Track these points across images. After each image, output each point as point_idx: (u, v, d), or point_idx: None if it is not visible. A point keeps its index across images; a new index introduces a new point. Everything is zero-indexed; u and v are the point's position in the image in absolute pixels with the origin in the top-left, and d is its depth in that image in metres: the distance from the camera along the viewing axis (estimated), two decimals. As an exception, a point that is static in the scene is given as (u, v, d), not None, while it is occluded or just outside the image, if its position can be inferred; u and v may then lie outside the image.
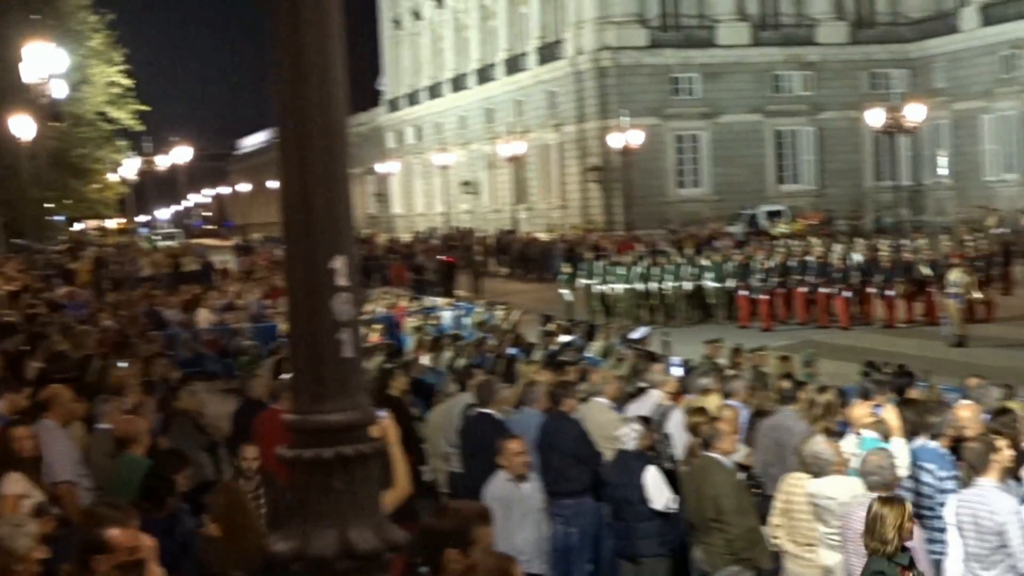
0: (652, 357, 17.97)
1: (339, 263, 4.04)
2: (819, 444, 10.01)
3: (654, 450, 11.75)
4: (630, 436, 11.24)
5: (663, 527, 11.06)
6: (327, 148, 4.07)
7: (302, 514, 4.12)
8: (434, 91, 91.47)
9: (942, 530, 9.39)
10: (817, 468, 9.87)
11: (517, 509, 10.65)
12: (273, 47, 4.09)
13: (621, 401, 14.16)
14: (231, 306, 32.16)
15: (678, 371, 15.96)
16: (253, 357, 22.97)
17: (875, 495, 8.86)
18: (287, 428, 4.12)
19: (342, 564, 4.08)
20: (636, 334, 23.40)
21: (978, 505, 8.69)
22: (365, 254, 58.05)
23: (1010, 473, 9.95)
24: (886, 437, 10.08)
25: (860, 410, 10.94)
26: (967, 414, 10.48)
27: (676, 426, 12.56)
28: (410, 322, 28.63)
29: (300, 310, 4.09)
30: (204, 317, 30.44)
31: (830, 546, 9.65)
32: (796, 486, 10.21)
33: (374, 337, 25.01)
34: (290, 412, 4.15)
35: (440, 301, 35.42)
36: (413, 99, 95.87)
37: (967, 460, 9.06)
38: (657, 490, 10.93)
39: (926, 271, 32.90)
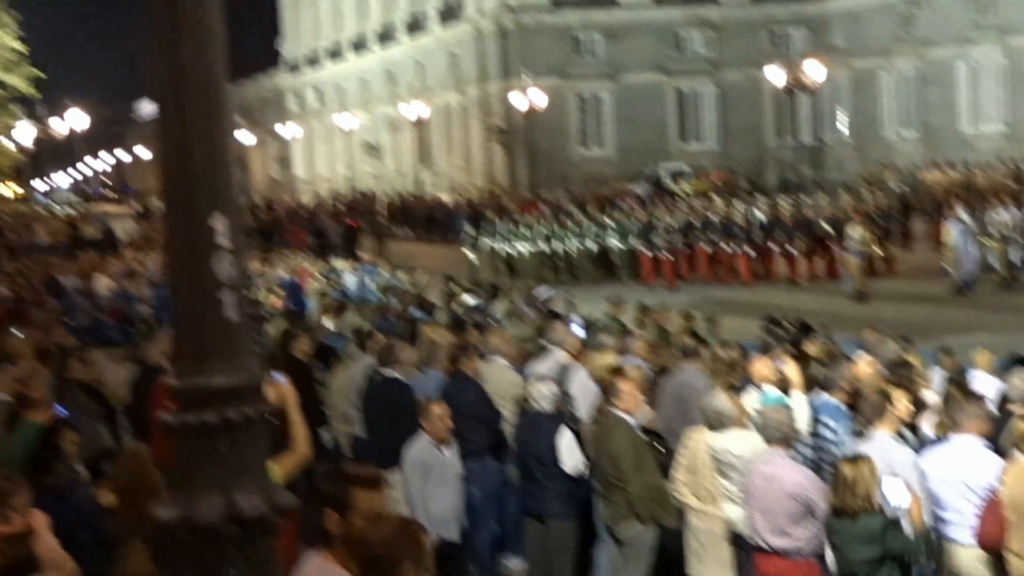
0: (555, 317, 17.94)
1: (220, 222, 3.93)
2: (720, 400, 10.04)
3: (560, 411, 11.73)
4: (545, 396, 11.21)
5: (572, 488, 11.05)
6: (206, 105, 3.95)
7: (187, 480, 4.02)
8: (335, 53, 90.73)
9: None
10: (718, 423, 9.90)
11: (436, 473, 10.57)
12: (148, 2, 3.96)
13: (523, 361, 14.13)
14: (131, 272, 31.70)
15: (580, 331, 15.94)
16: (152, 324, 22.68)
17: (775, 449, 8.91)
18: (169, 393, 4.01)
19: (229, 530, 3.99)
20: (541, 294, 23.40)
21: (875, 457, 8.74)
22: (266, 218, 57.61)
23: (908, 424, 10.06)
24: (787, 392, 10.12)
25: (762, 365, 10.98)
26: (865, 368, 10.56)
27: (579, 386, 12.53)
28: (313, 286, 28.40)
29: (180, 271, 3.98)
30: (103, 284, 29.98)
31: (732, 500, 9.69)
32: (699, 441, 10.24)
33: (276, 302, 24.79)
34: (173, 377, 4.04)
35: (343, 265, 35.19)
36: (314, 61, 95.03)
37: (864, 413, 9.13)
38: (570, 453, 10.91)
39: (827, 228, 33.22)
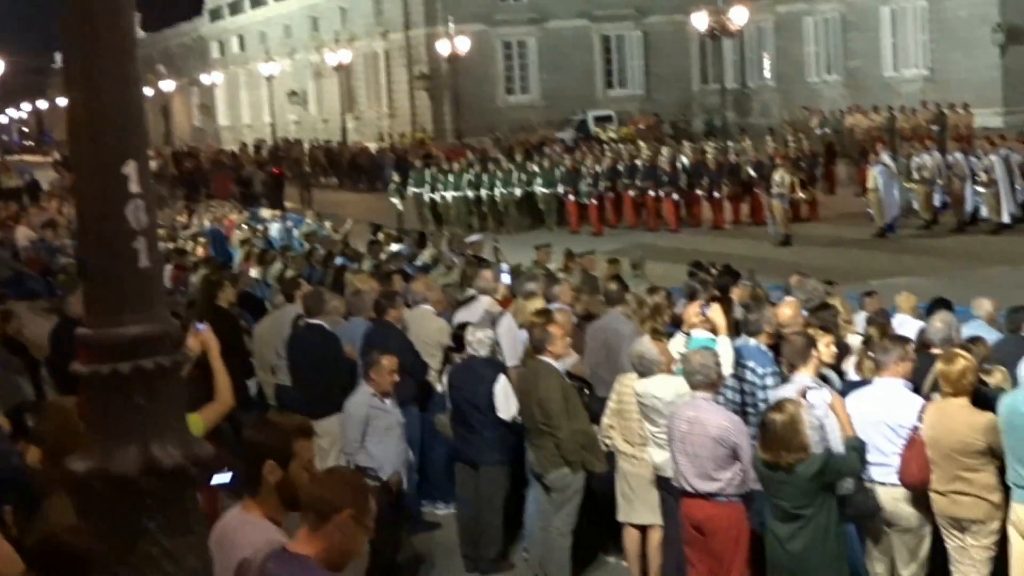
0: (482, 263, 17.90)
1: (131, 168, 3.83)
2: (645, 345, 10.05)
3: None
4: (482, 343, 11.18)
5: (506, 434, 11.05)
6: (114, 49, 3.83)
7: (103, 432, 3.93)
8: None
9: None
10: (644, 368, 9.91)
11: (382, 424, 10.48)
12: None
13: (449, 309, 14.09)
14: (51, 223, 31.26)
15: (506, 278, 15.92)
16: (73, 275, 22.36)
17: (699, 394, 8.94)
18: (82, 343, 3.92)
19: (146, 482, 3.91)
20: (470, 240, 23.37)
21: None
22: (190, 167, 57.03)
23: (834, 368, 10.12)
24: (715, 336, 10.15)
25: (689, 310, 10.99)
26: (788, 311, 10.60)
27: (505, 332, 12.51)
28: (238, 235, 28.17)
29: (91, 219, 3.87)
30: (23, 235, 29.55)
31: (658, 444, 9.72)
32: (628, 386, 10.25)
33: (201, 252, 24.58)
34: (87, 327, 3.95)
35: (268, 213, 34.93)
36: (236, 7, 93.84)
37: (786, 356, 9.16)
38: (506, 400, 10.89)
39: (752, 173, 33.37)
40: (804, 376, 8.91)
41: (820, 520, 8.02)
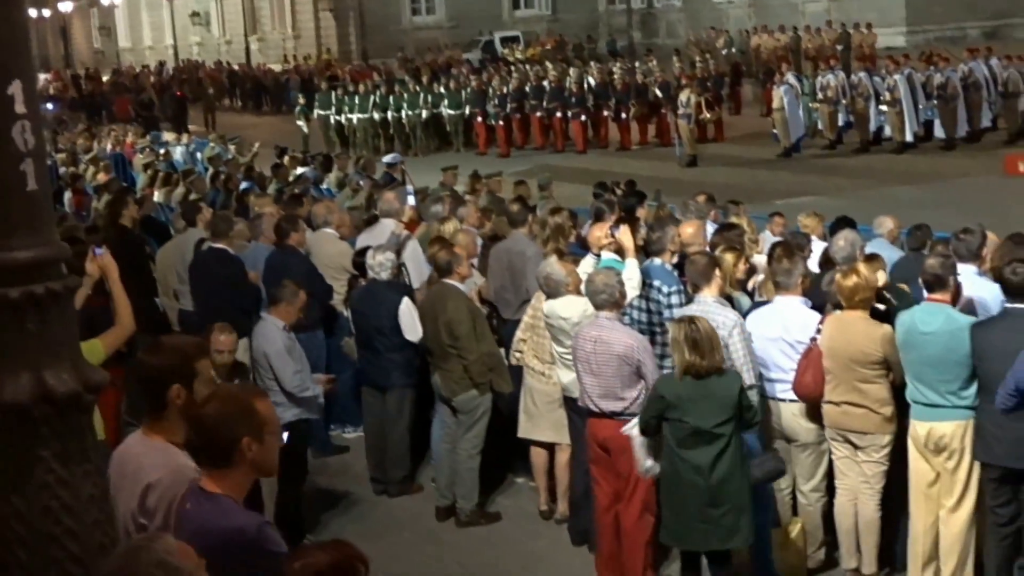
0: (392, 184, 17.79)
1: (16, 88, 3.72)
2: (552, 265, 10.06)
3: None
4: (384, 266, 11.10)
5: (412, 356, 11.03)
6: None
7: (-7, 359, 3.85)
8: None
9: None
10: (550, 289, 9.93)
11: (296, 353, 10.34)
12: None
13: (354, 232, 14.00)
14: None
15: (411, 199, 15.82)
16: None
17: (603, 313, 8.95)
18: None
19: (40, 409, 3.85)
20: (387, 160, 23.23)
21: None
22: (89, 89, 56.04)
23: (740, 286, 10.18)
24: (623, 257, 10.16)
25: (598, 232, 11.00)
26: (691, 230, 10.63)
27: (410, 255, 12.45)
28: (140, 159, 27.76)
29: (-23, 141, 3.76)
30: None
31: (565, 365, 9.75)
32: (539, 306, 10.27)
33: (102, 176, 24.19)
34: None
35: (171, 137, 34.45)
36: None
37: (689, 275, 9.19)
38: (411, 322, 10.85)
39: (659, 93, 33.41)
40: (707, 296, 8.95)
41: (737, 441, 8.06)
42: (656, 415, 8.13)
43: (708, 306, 8.84)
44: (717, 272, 9.07)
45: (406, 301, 10.94)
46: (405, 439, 11.29)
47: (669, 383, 8.13)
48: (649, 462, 8.36)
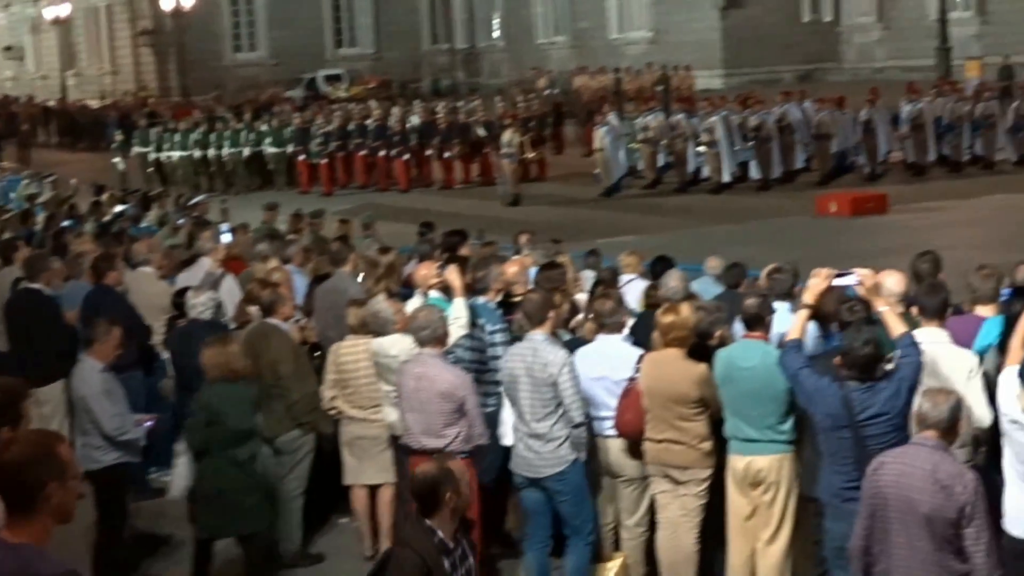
0: (206, 224, 17.59)
1: None
2: (380, 303, 10.09)
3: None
4: (205, 305, 10.96)
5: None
6: None
7: None
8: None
9: (497, 383, 9.60)
10: (378, 327, 9.94)
11: (117, 395, 10.09)
12: None
13: (173, 271, 13.82)
14: None
15: (227, 237, 15.67)
16: None
17: (426, 350, 8.98)
18: None
19: None
20: (194, 201, 22.97)
21: (531, 358, 8.89)
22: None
23: (562, 324, 10.28)
24: (451, 296, 10.20)
25: (425, 270, 11.03)
26: (514, 269, 10.71)
27: (227, 294, 12.33)
28: (-49, 196, 27.02)
29: None
30: None
31: (393, 403, 9.75)
32: (349, 352, 10.27)
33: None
34: None
35: (-16, 173, 33.59)
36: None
37: (525, 313, 9.24)
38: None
39: (482, 132, 33.61)
40: (540, 334, 9.01)
41: None
42: None
43: (538, 343, 8.92)
44: (551, 312, 9.16)
45: (229, 340, 10.80)
46: (225, 480, 11.11)
47: None
48: None
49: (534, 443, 8.99)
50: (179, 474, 9.72)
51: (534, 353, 8.87)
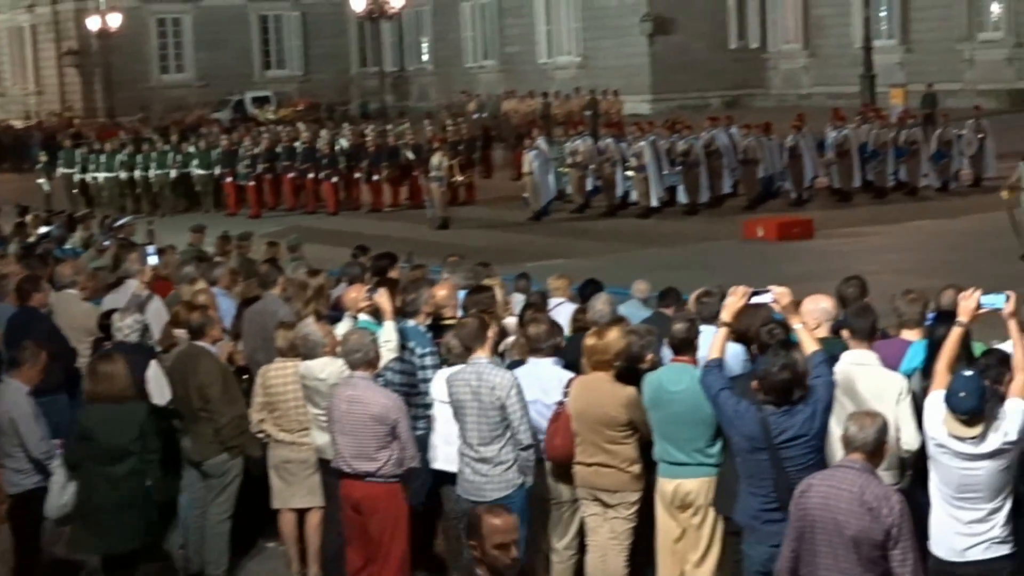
0: (131, 246, 17.44)
1: None
2: (309, 326, 10.07)
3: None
4: (132, 328, 10.85)
5: (159, 421, 10.76)
6: None
7: None
8: None
9: (427, 406, 9.59)
10: (307, 350, 9.90)
11: (41, 417, 9.95)
12: None
13: (98, 293, 13.69)
14: None
15: (153, 259, 15.54)
16: None
17: (358, 373, 8.95)
18: None
19: None
20: (119, 222, 22.75)
21: (476, 382, 8.87)
22: None
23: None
24: (380, 319, 10.19)
25: (355, 293, 11.01)
26: (444, 292, 10.72)
27: (154, 316, 12.23)
28: None
29: None
30: None
31: (320, 427, 9.72)
32: (276, 375, 10.23)
33: None
34: None
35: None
36: None
37: (461, 338, 9.24)
38: (158, 385, 10.62)
39: (411, 155, 33.59)
40: (482, 357, 9.02)
41: None
42: None
43: (483, 367, 8.92)
44: (489, 333, 9.16)
45: (153, 364, 10.72)
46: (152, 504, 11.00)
47: None
48: None
49: (481, 467, 8.97)
50: (54, 492, 9.58)
51: (479, 377, 8.86)
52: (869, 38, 45.86)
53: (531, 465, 8.95)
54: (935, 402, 7.44)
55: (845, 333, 8.57)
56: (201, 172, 35.12)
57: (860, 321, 8.55)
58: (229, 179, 34.53)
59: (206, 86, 64.27)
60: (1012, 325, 7.65)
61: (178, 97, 62.51)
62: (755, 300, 8.22)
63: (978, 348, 8.51)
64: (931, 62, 48.26)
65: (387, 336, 9.76)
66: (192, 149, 36.03)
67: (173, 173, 35.29)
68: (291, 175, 34.22)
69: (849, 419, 7.13)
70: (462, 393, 8.97)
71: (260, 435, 10.46)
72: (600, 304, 10.48)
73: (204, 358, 10.52)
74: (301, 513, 10.44)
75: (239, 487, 10.61)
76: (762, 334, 8.55)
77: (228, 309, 12.93)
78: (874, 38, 46.78)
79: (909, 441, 8.09)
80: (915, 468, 8.14)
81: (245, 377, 11.33)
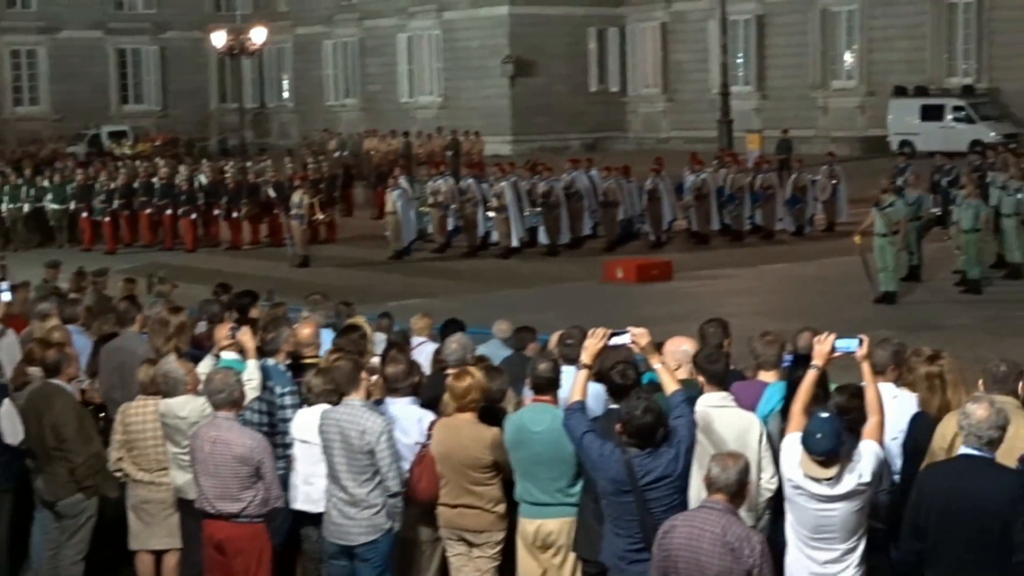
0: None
1: None
2: (170, 364, 9.93)
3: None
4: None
5: (10, 460, 10.56)
6: None
7: None
8: None
9: (287, 445, 9.51)
10: (168, 388, 9.77)
11: None
12: None
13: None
14: None
15: (6, 295, 15.22)
16: None
17: (221, 413, 8.86)
18: None
19: None
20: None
21: (347, 424, 8.81)
22: None
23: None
24: (245, 357, 10.10)
25: (218, 332, 10.90)
26: (307, 331, 10.67)
27: (6, 351, 11.99)
28: None
29: None
30: None
31: (180, 466, 9.59)
32: (136, 413, 10.08)
33: None
34: None
35: None
36: None
37: (335, 380, 9.17)
38: (11, 423, 10.39)
39: (271, 193, 33.40)
40: (356, 400, 8.96)
41: None
42: None
43: (356, 410, 8.87)
44: (362, 375, 9.11)
45: (6, 402, 10.50)
46: (2, 545, 10.78)
47: None
48: None
49: (349, 510, 8.90)
50: None
51: (351, 419, 8.80)
52: (726, 84, 46.75)
53: (399, 511, 8.90)
54: (792, 443, 7.56)
55: (700, 378, 8.66)
56: (55, 207, 34.58)
57: (711, 366, 8.64)
58: (84, 214, 34.01)
59: (61, 119, 63.20)
60: (865, 368, 7.83)
61: (32, 130, 61.31)
62: (614, 341, 8.27)
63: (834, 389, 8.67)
64: (786, 109, 49.36)
65: (250, 375, 9.68)
66: (46, 183, 35.45)
67: (26, 207, 34.69)
68: (148, 211, 33.82)
69: (712, 460, 7.22)
70: (332, 434, 8.91)
71: (118, 474, 10.28)
72: (453, 344, 10.50)
73: (59, 396, 10.33)
74: (158, 555, 10.28)
75: (93, 528, 10.42)
76: (613, 375, 8.55)
77: (84, 346, 12.69)
78: (731, 84, 47.71)
79: (770, 482, 8.21)
80: (772, 509, 8.26)
81: (101, 416, 11.13)
